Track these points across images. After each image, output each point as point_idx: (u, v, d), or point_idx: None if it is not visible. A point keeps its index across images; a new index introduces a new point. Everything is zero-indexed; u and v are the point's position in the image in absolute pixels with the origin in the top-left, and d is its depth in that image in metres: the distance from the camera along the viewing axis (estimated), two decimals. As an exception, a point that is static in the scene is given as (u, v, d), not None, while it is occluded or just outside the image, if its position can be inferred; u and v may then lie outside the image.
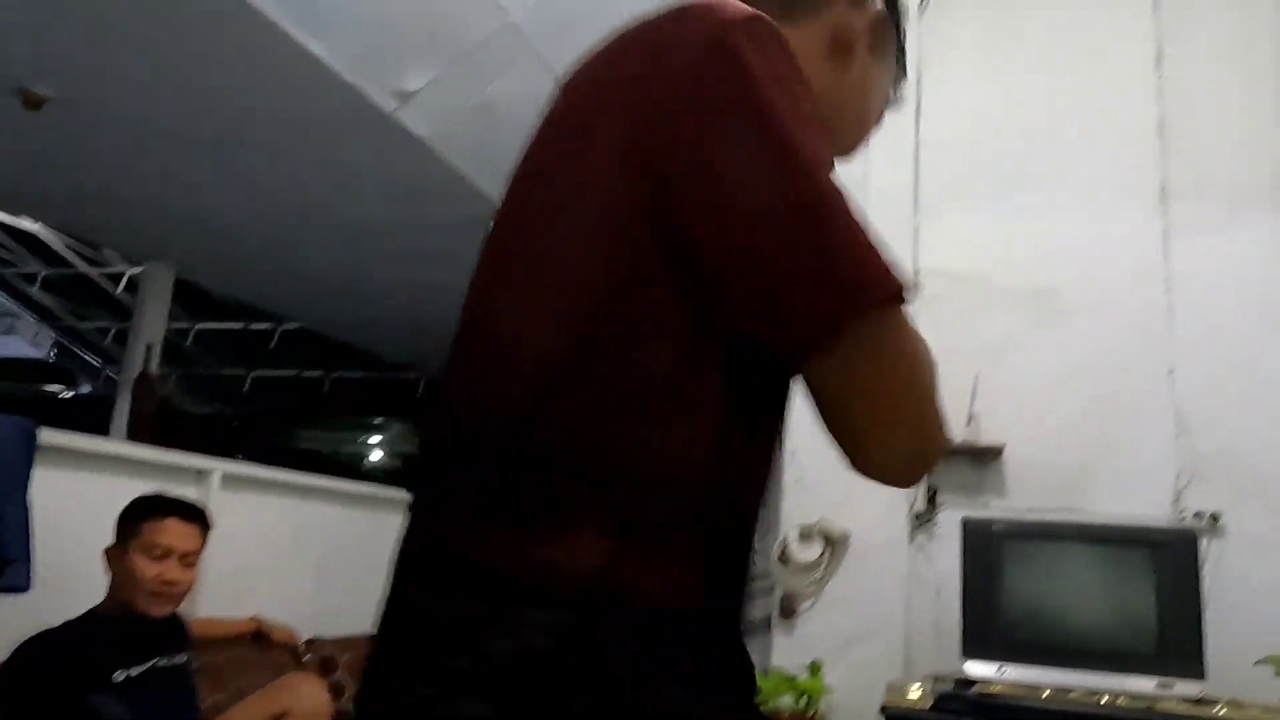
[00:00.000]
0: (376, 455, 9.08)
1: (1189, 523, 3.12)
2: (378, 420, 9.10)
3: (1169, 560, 2.77)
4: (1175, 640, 2.72)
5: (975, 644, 2.84)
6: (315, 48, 2.78)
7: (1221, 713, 2.58)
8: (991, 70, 3.79)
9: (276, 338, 8.45)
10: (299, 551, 3.25)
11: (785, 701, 2.98)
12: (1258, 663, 2.78)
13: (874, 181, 3.68)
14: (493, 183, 3.73)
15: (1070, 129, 3.65)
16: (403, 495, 3.81)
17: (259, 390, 9.03)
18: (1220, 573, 3.11)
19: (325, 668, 2.93)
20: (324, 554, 3.32)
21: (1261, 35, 3.49)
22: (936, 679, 2.99)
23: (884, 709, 2.78)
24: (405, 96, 3.08)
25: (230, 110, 3.28)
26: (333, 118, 3.20)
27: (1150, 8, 3.65)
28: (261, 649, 2.82)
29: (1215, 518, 3.19)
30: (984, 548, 2.90)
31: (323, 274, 5.06)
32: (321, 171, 3.73)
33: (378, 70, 2.98)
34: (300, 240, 4.54)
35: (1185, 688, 2.67)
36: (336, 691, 2.90)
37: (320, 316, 6.42)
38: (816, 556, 3.43)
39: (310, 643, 2.98)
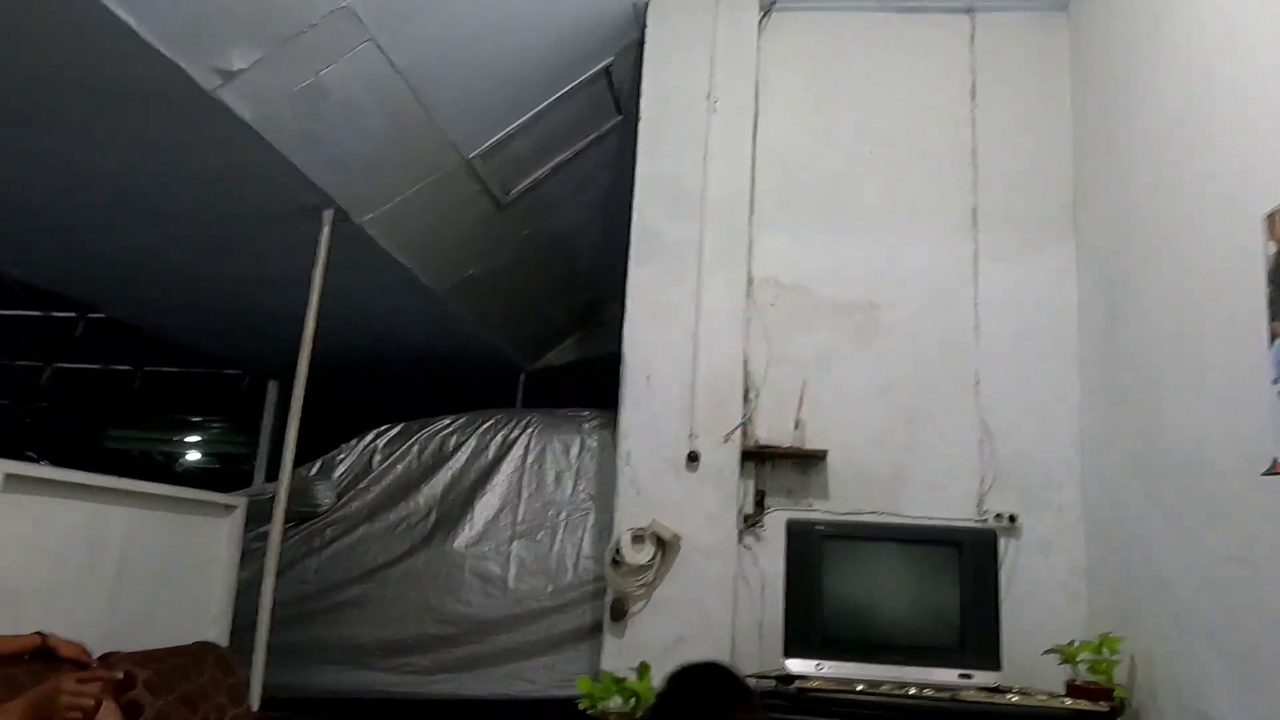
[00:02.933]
0: (194, 456, 8.53)
1: (990, 524, 3.36)
2: (195, 419, 8.55)
3: (971, 558, 2.97)
4: (975, 634, 2.92)
5: (796, 642, 2.95)
6: (128, 17, 2.58)
7: (1014, 699, 2.78)
8: (819, 92, 3.96)
9: (81, 327, 7.80)
10: (94, 559, 2.99)
11: (613, 703, 3.00)
12: (1046, 652, 3.02)
13: (712, 189, 3.78)
14: (322, 170, 3.58)
15: (892, 153, 3.86)
16: (211, 497, 3.58)
17: (60, 384, 8.31)
18: (1015, 570, 3.37)
19: (122, 686, 2.71)
20: (123, 562, 3.07)
21: (1061, 75, 3.81)
22: (760, 677, 3.08)
23: (708, 708, 2.83)
24: (228, 75, 2.90)
25: (33, 80, 3.00)
26: (148, 92, 2.98)
27: (967, 42, 3.91)
28: (48, 667, 2.58)
29: (1012, 519, 3.45)
30: (806, 548, 3.01)
31: (134, 261, 4.69)
32: (134, 151, 3.46)
33: (198, 46, 2.80)
34: (109, 223, 4.20)
35: (983, 678, 2.87)
36: (132, 711, 2.70)
37: (131, 307, 5.96)
38: (648, 559, 3.47)
39: (105, 658, 2.74)
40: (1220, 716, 2.37)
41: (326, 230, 3.82)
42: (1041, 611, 3.28)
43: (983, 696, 2.78)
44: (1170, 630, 2.68)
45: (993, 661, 2.88)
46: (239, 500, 3.71)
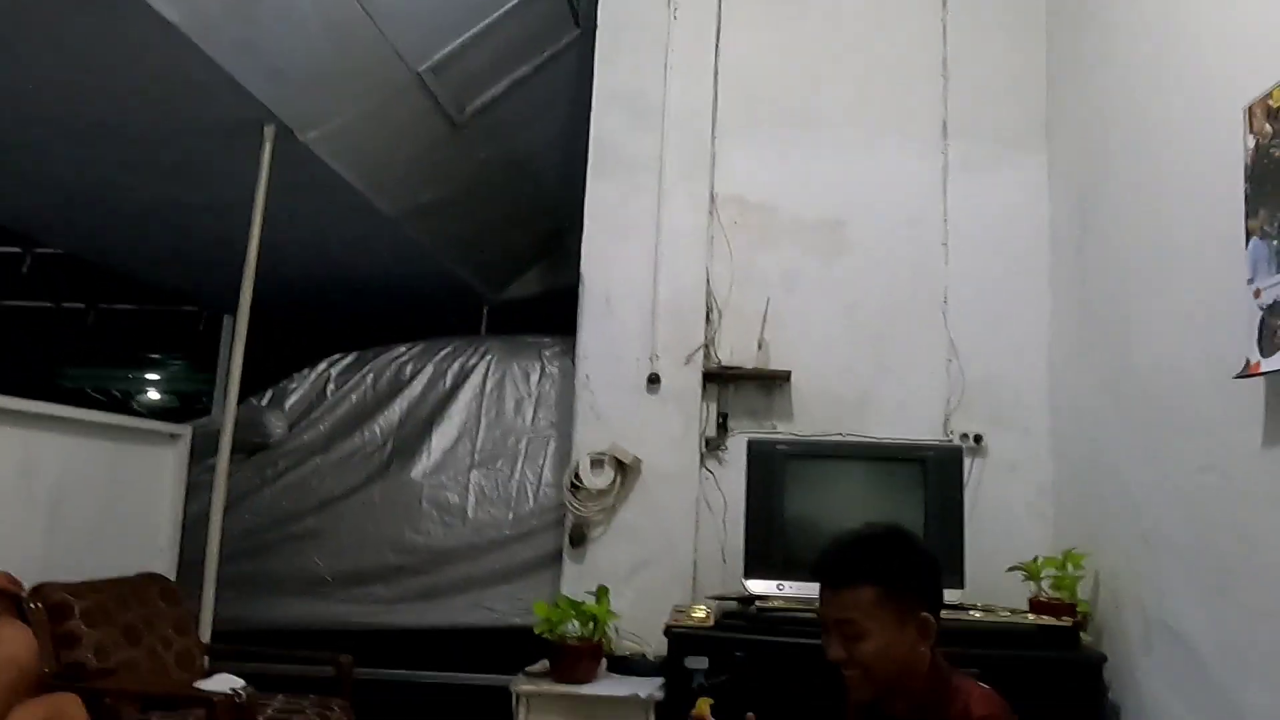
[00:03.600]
0: (153, 394, 8.34)
1: (956, 444, 3.30)
2: (153, 356, 8.33)
3: (936, 476, 2.90)
4: (938, 552, 2.85)
5: (757, 563, 2.88)
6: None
7: (976, 616, 2.74)
8: (785, 3, 3.78)
9: (29, 263, 7.52)
10: (28, 488, 2.86)
11: (571, 627, 2.93)
12: (1010, 569, 2.98)
13: (674, 102, 3.62)
14: (261, 82, 3.37)
15: (860, 64, 3.70)
16: (154, 426, 3.44)
17: (9, 323, 8.04)
18: (981, 490, 3.32)
19: (56, 616, 2.60)
20: (60, 492, 2.95)
21: (1036, -18, 3.66)
22: (720, 598, 3.03)
23: (668, 629, 2.78)
24: (148, -32, 2.69)
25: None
26: (62, -10, 2.76)
27: (939, -53, 3.73)
28: (-25, 597, 2.47)
29: (978, 439, 3.39)
30: (768, 469, 2.94)
31: (69, 187, 4.46)
32: (55, 58, 3.24)
33: (112, -65, 2.58)
34: (38, 144, 3.97)
35: (947, 595, 2.81)
36: (68, 641, 2.60)
37: (76, 239, 5.71)
38: (608, 483, 3.38)
39: (38, 589, 2.64)
40: (1185, 628, 2.34)
41: (268, 148, 3.62)
42: (1007, 531, 3.24)
43: (945, 613, 2.72)
44: (1136, 545, 2.64)
45: (956, 579, 2.83)
46: (183, 429, 3.59)
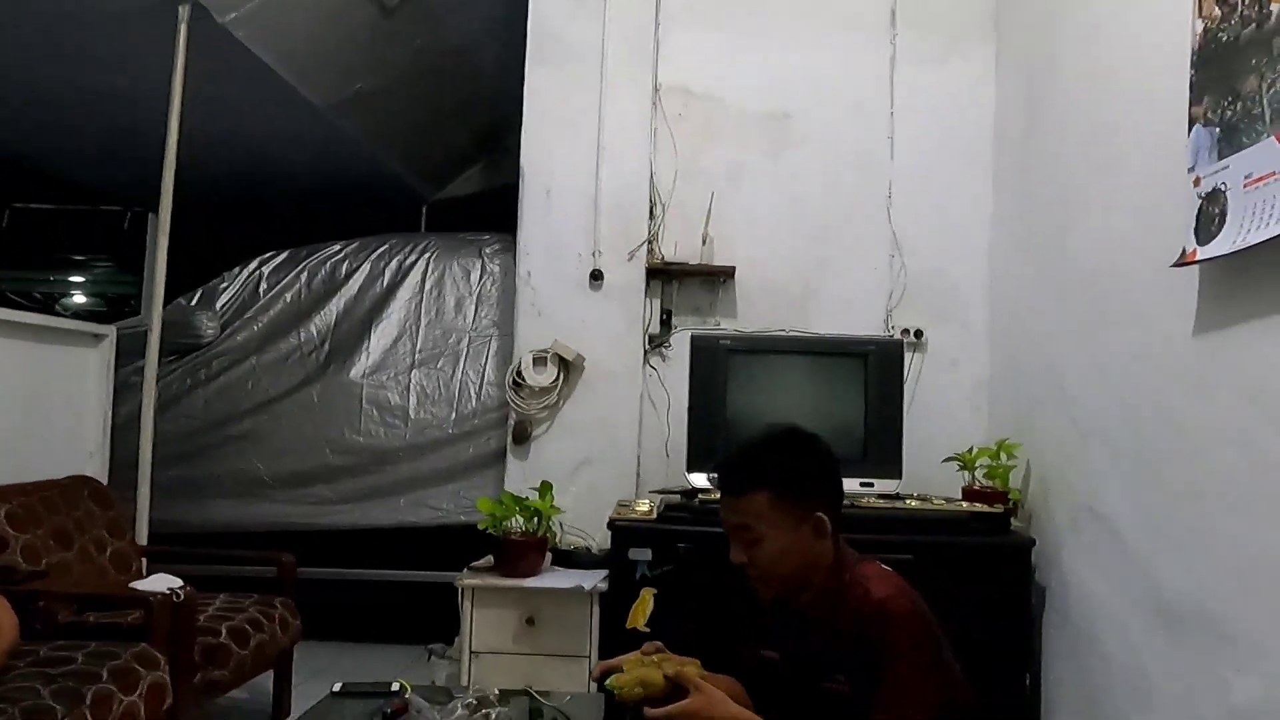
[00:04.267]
0: (78, 297, 8.02)
1: (897, 338, 3.32)
2: (77, 258, 7.98)
3: (877, 369, 2.93)
4: (878, 444, 2.91)
5: (699, 456, 2.90)
6: None
7: (912, 505, 2.81)
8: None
9: (-67, 159, 7.07)
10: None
11: (515, 523, 2.94)
12: (945, 460, 3.05)
13: (614, -13, 3.47)
14: (174, -44, 3.14)
15: (810, -53, 3.57)
16: (76, 326, 3.30)
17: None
18: (920, 385, 3.36)
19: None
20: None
21: None
22: (663, 492, 3.06)
23: (612, 522, 2.80)
24: None
25: None
26: None
27: None
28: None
29: (919, 334, 3.42)
30: (711, 364, 2.93)
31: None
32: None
33: None
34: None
35: (884, 485, 2.88)
36: (-6, 543, 2.53)
37: (-17, 132, 5.38)
38: (550, 381, 3.36)
39: (-42, 491, 2.55)
40: (1109, 511, 2.42)
41: (183, 30, 3.40)
42: (944, 425, 3.30)
43: (883, 504, 2.80)
44: (1067, 434, 2.70)
45: (894, 470, 2.89)
46: (107, 330, 3.46)
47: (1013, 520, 2.86)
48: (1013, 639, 2.70)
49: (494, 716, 1.40)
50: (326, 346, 3.99)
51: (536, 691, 2.16)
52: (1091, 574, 2.52)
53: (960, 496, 2.96)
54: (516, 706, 1.91)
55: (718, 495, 1.62)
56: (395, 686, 2.13)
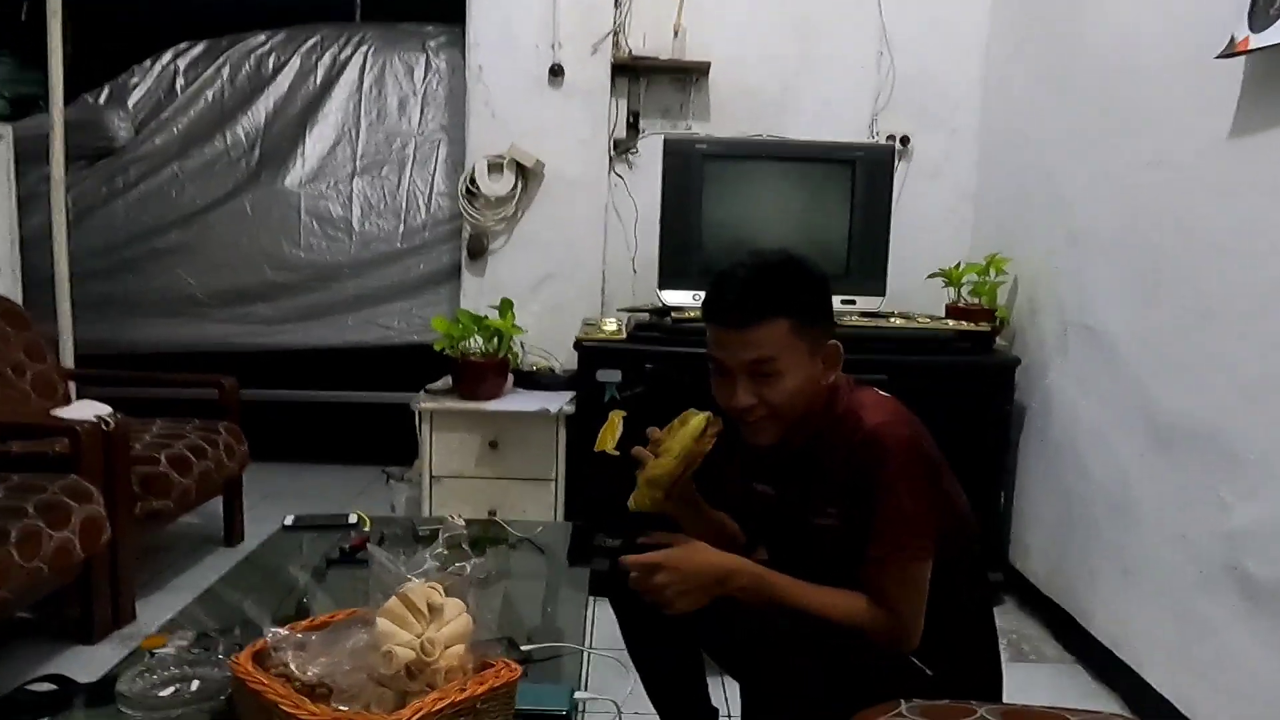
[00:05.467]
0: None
1: (886, 144, 3.08)
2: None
3: (864, 179, 2.70)
4: (862, 259, 2.73)
5: (672, 272, 2.70)
6: None
7: (896, 323, 2.67)
8: None
9: None
10: None
11: (474, 343, 2.75)
12: (930, 276, 2.90)
13: None
14: None
15: None
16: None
17: None
18: (902, 196, 3.15)
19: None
20: None
21: None
22: (632, 310, 2.87)
23: (578, 343, 2.62)
24: None
25: None
26: None
27: None
28: None
29: (905, 141, 3.18)
30: (685, 170, 2.67)
31: None
32: None
33: None
34: None
35: (866, 303, 2.73)
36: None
37: None
38: (507, 190, 3.08)
39: None
40: (1106, 329, 2.30)
41: None
42: (925, 239, 3.12)
43: (865, 321, 2.65)
44: (1061, 248, 2.55)
45: (878, 286, 2.73)
46: (3, 130, 3.06)
47: (998, 340, 2.75)
48: (990, 459, 2.64)
49: (469, 569, 1.24)
50: (257, 152, 3.62)
51: (505, 521, 2.06)
52: (1079, 393, 2.43)
53: (944, 314, 2.83)
54: (493, 557, 1.78)
55: (713, 329, 1.40)
56: (352, 518, 2.00)
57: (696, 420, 1.40)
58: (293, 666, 1.12)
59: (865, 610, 1.31)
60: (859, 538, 1.34)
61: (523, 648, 1.37)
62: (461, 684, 1.06)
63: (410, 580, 1.05)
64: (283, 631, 1.15)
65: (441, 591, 1.13)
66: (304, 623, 1.22)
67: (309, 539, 1.90)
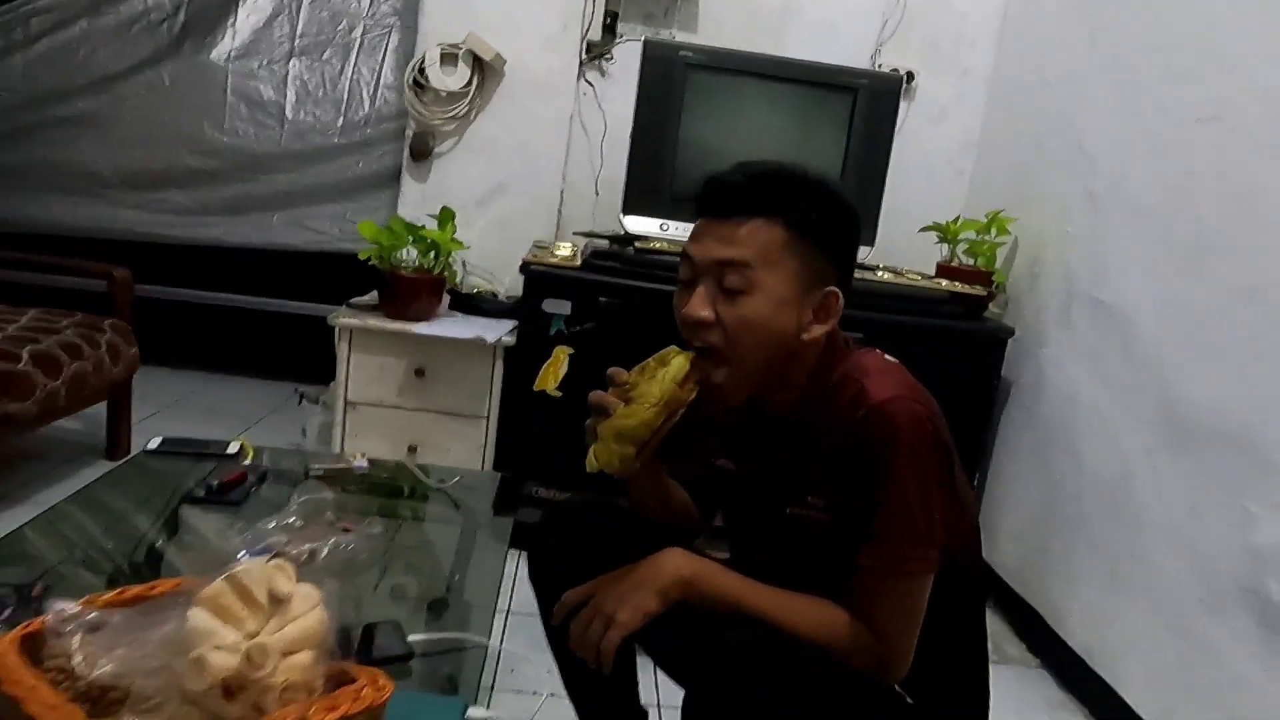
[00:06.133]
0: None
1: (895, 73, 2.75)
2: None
3: (867, 111, 2.38)
4: (855, 201, 2.42)
5: (639, 197, 2.37)
6: None
7: (884, 277, 2.38)
8: None
9: None
10: None
11: (407, 255, 2.40)
12: (922, 229, 2.61)
13: None
14: None
15: None
16: None
17: None
18: (902, 138, 2.83)
19: None
20: None
21: None
22: (591, 235, 2.55)
23: (525, 266, 2.30)
24: None
25: None
26: None
27: None
28: None
29: (910, 77, 2.86)
30: (666, 79, 2.33)
31: None
32: None
33: None
34: None
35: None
36: None
37: None
38: (462, 85, 2.71)
39: None
40: (1121, 305, 2.03)
41: None
42: (918, 189, 2.81)
43: (850, 271, 2.35)
44: (1077, 209, 2.27)
45: (868, 234, 2.42)
46: None
47: (990, 306, 2.48)
48: (969, 435, 2.38)
49: (328, 551, 0.93)
50: (181, 16, 3.17)
51: (420, 466, 1.75)
52: (1080, 374, 2.17)
53: (934, 273, 2.55)
54: (395, 510, 1.43)
55: (699, 222, 1.10)
56: (233, 447, 1.67)
57: (679, 361, 1.09)
58: (77, 660, 0.81)
59: (848, 630, 1.04)
60: (845, 535, 1.06)
61: (411, 638, 1.07)
62: (304, 709, 0.76)
63: (241, 560, 0.74)
64: (70, 607, 0.84)
65: (291, 574, 0.82)
66: (109, 594, 0.91)
67: (175, 468, 1.57)
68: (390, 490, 1.63)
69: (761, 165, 1.10)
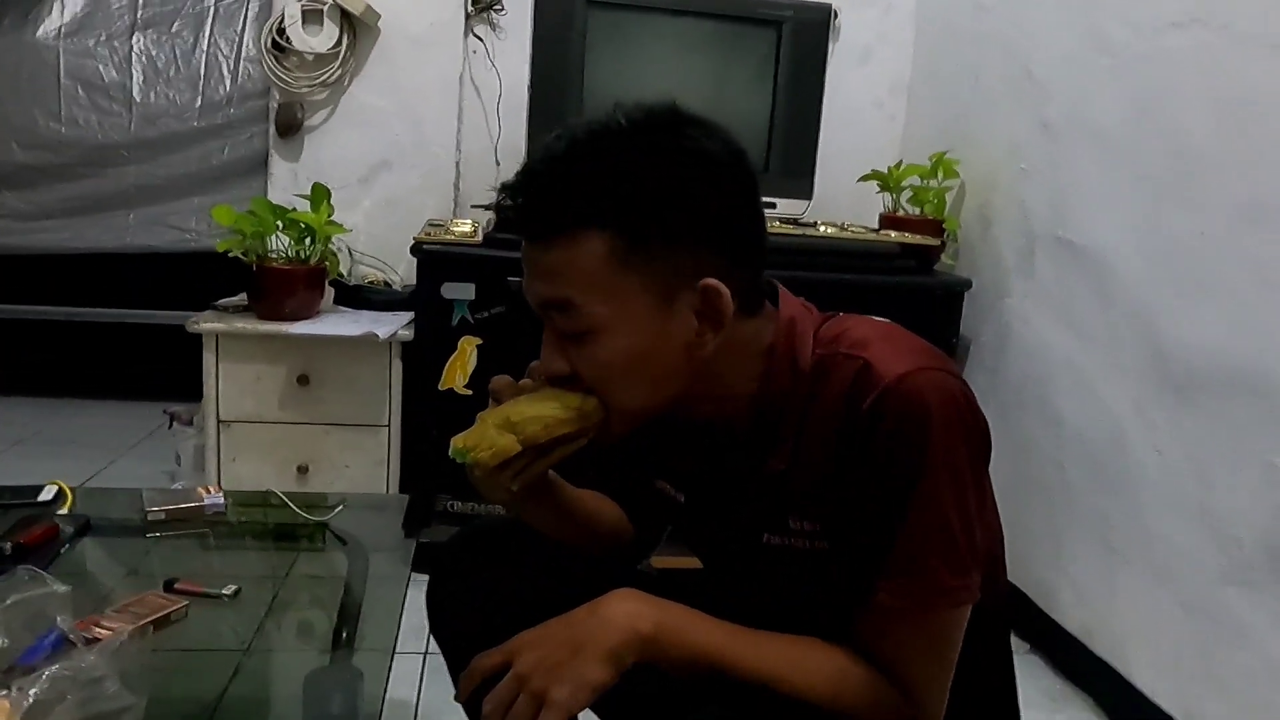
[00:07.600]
0: None
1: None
2: None
3: (793, 48, 2.13)
4: (786, 152, 2.18)
5: (544, 159, 2.07)
6: None
7: (825, 231, 2.12)
8: None
9: None
10: None
11: (277, 243, 2.06)
12: (862, 178, 2.36)
13: None
14: None
15: None
16: None
17: None
18: (828, 82, 2.58)
19: None
20: None
21: None
22: (494, 208, 2.23)
23: (418, 246, 1.97)
24: None
25: None
26: None
27: None
28: None
29: (834, 14, 2.61)
30: (564, 25, 2.03)
31: None
32: None
33: None
34: None
35: (789, 207, 2.18)
36: None
37: None
38: (329, 45, 2.36)
39: None
40: (1092, 240, 1.82)
41: None
42: (849, 136, 2.56)
43: (788, 229, 2.09)
44: (1030, 144, 2.05)
45: (804, 187, 2.18)
46: None
47: (942, 257, 2.25)
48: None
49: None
50: (-5, -11, 2.75)
51: (290, 495, 1.41)
52: (1049, 324, 1.96)
53: (879, 226, 2.32)
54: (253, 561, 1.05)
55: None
56: (47, 493, 1.32)
57: None
58: None
59: (866, 686, 0.77)
60: (849, 565, 0.79)
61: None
62: None
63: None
64: None
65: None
66: None
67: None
68: (257, 531, 1.30)
69: (583, 132, 0.79)
